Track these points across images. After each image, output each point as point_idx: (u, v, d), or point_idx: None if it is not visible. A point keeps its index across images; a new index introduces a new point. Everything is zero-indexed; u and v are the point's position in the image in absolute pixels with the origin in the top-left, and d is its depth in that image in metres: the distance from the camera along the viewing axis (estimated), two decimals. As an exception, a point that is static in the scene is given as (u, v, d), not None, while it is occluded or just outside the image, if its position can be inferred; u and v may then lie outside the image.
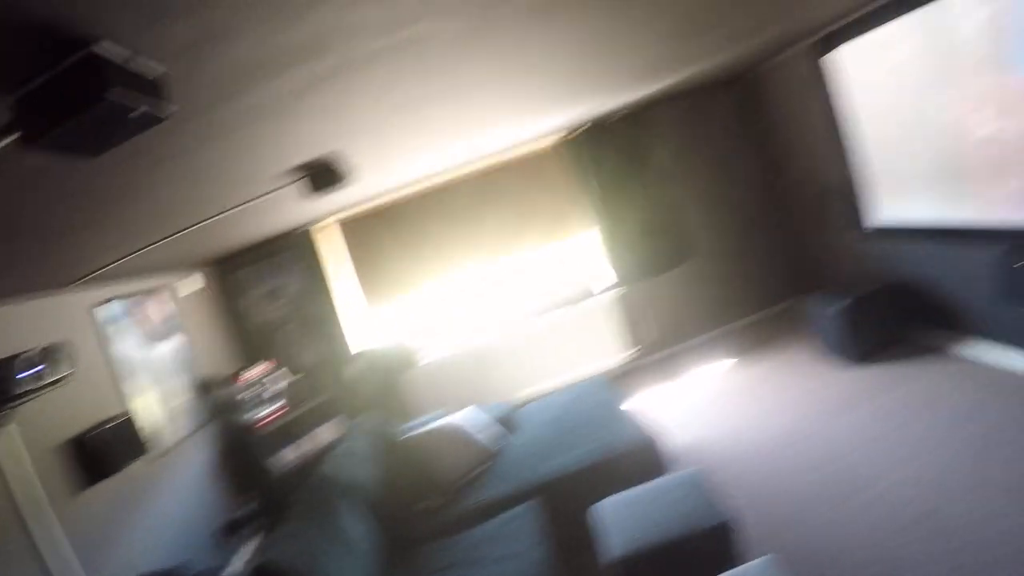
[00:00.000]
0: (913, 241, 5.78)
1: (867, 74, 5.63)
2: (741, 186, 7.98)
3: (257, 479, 6.06)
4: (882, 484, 4.16)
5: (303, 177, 4.05)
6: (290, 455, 6.25)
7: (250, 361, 6.88)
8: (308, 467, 5.62)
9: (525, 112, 5.10)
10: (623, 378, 7.46)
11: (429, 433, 5.01)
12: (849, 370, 5.90)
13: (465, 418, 5.23)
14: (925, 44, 4.91)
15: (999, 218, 4.81)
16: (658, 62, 4.93)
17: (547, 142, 7.38)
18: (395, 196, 7.24)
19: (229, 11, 1.63)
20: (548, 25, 2.88)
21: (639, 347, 7.68)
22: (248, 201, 4.30)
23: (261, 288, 7.18)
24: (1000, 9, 4.21)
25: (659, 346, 7.79)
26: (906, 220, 5.79)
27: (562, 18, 2.85)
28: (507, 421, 5.57)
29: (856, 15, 5.44)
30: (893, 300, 6.05)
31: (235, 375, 6.49)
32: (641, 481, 4.00)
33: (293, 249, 7.11)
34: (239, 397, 6.32)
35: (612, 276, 7.51)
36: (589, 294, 7.62)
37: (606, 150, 7.29)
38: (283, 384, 6.59)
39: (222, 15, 1.64)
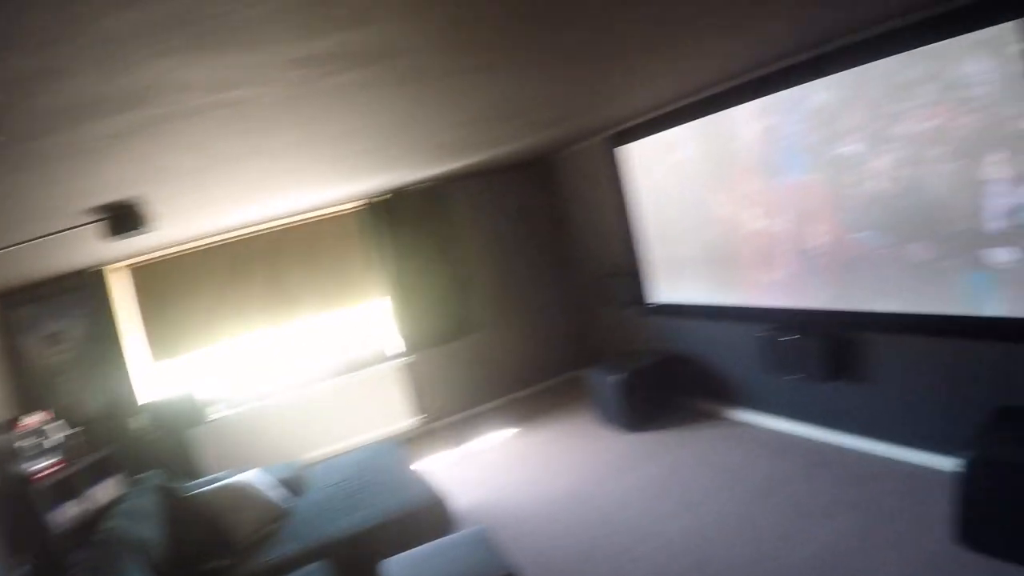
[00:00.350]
0: (689, 319, 6.32)
1: (655, 168, 6.20)
2: (533, 262, 8.33)
3: (33, 537, 5.38)
4: (659, 538, 4.38)
5: (104, 219, 3.80)
6: (70, 511, 5.63)
7: (29, 407, 6.17)
8: (90, 525, 5.07)
9: (331, 177, 5.06)
10: (412, 442, 7.34)
11: (218, 490, 4.69)
12: (629, 436, 6.20)
13: (254, 477, 5.01)
14: (706, 147, 5.53)
15: (764, 301, 5.44)
16: (459, 143, 5.07)
17: (350, 207, 7.36)
18: (195, 246, 6.91)
19: (70, 53, 1.65)
20: (356, 102, 3.00)
21: (428, 413, 7.70)
22: (45, 235, 3.96)
23: (44, 329, 6.49)
24: (771, 125, 4.87)
25: (447, 412, 7.81)
26: (684, 300, 6.33)
27: (370, 97, 2.97)
28: (295, 482, 5.37)
29: (647, 117, 6.03)
30: (670, 371, 6.53)
31: (12, 421, 5.78)
32: (430, 539, 3.94)
33: (83, 290, 6.42)
34: (16, 445, 5.63)
35: (402, 343, 7.55)
36: (380, 359, 7.58)
37: (405, 220, 7.36)
38: (63, 435, 5.96)
39: (62, 55, 1.65)
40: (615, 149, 6.62)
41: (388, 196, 7.30)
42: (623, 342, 7.46)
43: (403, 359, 7.55)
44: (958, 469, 3.47)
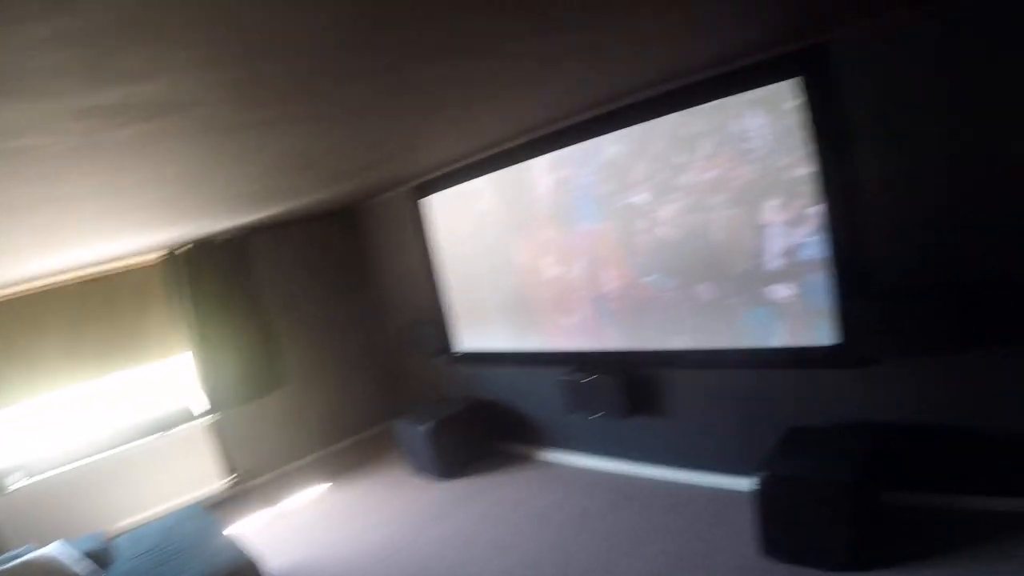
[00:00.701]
0: (495, 365, 6.41)
1: (457, 218, 6.27)
2: (342, 313, 8.08)
3: None
4: (475, 582, 4.31)
5: None
6: None
7: None
8: None
9: (129, 227, 4.64)
10: (224, 504, 6.79)
11: (17, 568, 4.12)
12: (441, 484, 6.13)
13: (56, 551, 4.41)
14: (506, 198, 5.68)
15: (564, 345, 5.62)
16: (257, 194, 4.90)
17: (152, 258, 6.81)
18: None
19: None
20: (147, 153, 2.83)
21: (236, 473, 7.18)
22: None
23: None
24: (565, 176, 5.10)
25: (257, 472, 7.31)
26: (489, 347, 6.40)
27: (160, 148, 2.81)
28: (102, 554, 4.80)
29: (448, 169, 6.12)
30: (479, 417, 6.54)
31: None
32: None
33: None
34: None
35: (206, 401, 7.02)
36: (186, 418, 7.00)
37: (207, 272, 6.85)
38: None
39: None
40: (419, 200, 6.63)
41: (190, 247, 6.81)
42: (434, 390, 7.39)
43: (209, 418, 7.00)
44: (754, 487, 3.74)
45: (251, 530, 6.08)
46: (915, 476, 3.93)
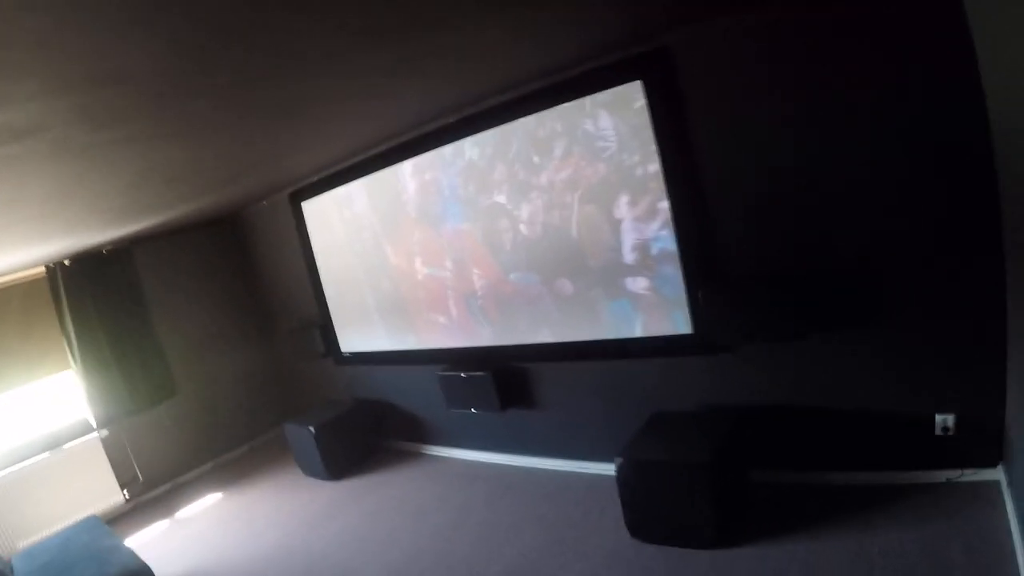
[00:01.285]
0: (379, 365, 6.30)
1: (334, 222, 6.12)
2: (229, 319, 7.78)
3: None
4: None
5: None
6: None
7: None
8: None
9: (4, 243, 4.46)
10: (121, 518, 6.49)
11: None
12: (331, 484, 6.05)
13: None
14: (378, 201, 5.57)
15: (441, 342, 5.58)
16: (130, 207, 4.70)
17: (32, 274, 6.38)
18: None
19: None
20: (12, 174, 2.77)
21: (132, 486, 6.82)
22: None
23: None
24: (431, 179, 5.05)
25: (153, 483, 6.96)
26: (372, 347, 6.28)
27: (25, 169, 2.75)
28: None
29: (323, 174, 5.97)
30: (366, 417, 6.47)
31: None
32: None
33: None
34: None
35: (94, 416, 6.63)
36: (76, 434, 6.58)
37: (90, 284, 6.44)
38: None
39: None
40: (298, 205, 6.44)
41: (71, 261, 6.41)
42: (323, 393, 7.22)
43: (100, 432, 6.61)
44: (615, 472, 3.80)
45: (148, 540, 5.88)
46: (778, 455, 4.06)
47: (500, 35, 2.96)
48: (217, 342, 7.64)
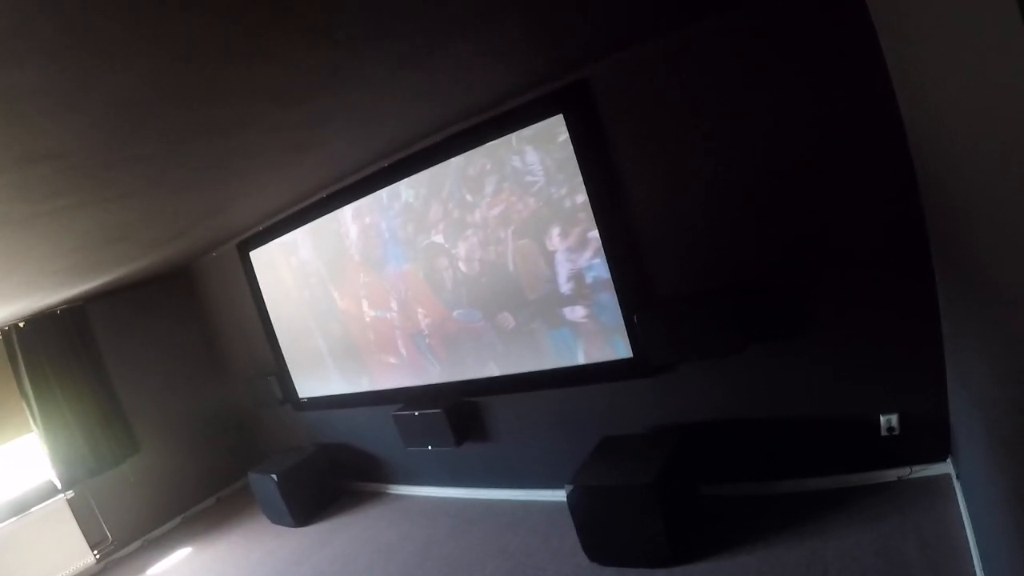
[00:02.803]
0: (335, 408, 5.95)
1: (281, 269, 5.79)
2: (187, 372, 7.29)
3: None
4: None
5: None
6: None
7: None
8: None
9: None
10: None
11: None
12: (298, 530, 5.66)
13: None
14: (322, 247, 5.27)
15: (393, 382, 5.26)
16: (77, 268, 4.45)
17: None
18: None
19: None
20: None
21: (102, 546, 6.28)
22: None
23: None
24: (371, 222, 4.78)
25: (123, 542, 6.46)
26: (328, 391, 5.94)
27: None
28: None
29: (267, 223, 5.66)
30: (327, 461, 6.09)
31: None
32: None
33: None
34: None
35: (59, 478, 6.09)
36: (40, 498, 6.04)
37: (45, 345, 6.06)
38: None
39: None
40: (246, 253, 6.10)
41: (23, 324, 5.99)
42: (286, 439, 6.83)
43: (66, 494, 6.09)
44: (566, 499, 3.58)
45: None
46: (728, 468, 3.87)
47: (409, 89, 2.88)
48: (177, 395, 7.19)
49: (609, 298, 3.79)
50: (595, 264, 3.77)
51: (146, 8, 1.36)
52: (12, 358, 6.01)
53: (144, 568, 6.01)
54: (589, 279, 3.82)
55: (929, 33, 1.57)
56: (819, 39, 2.94)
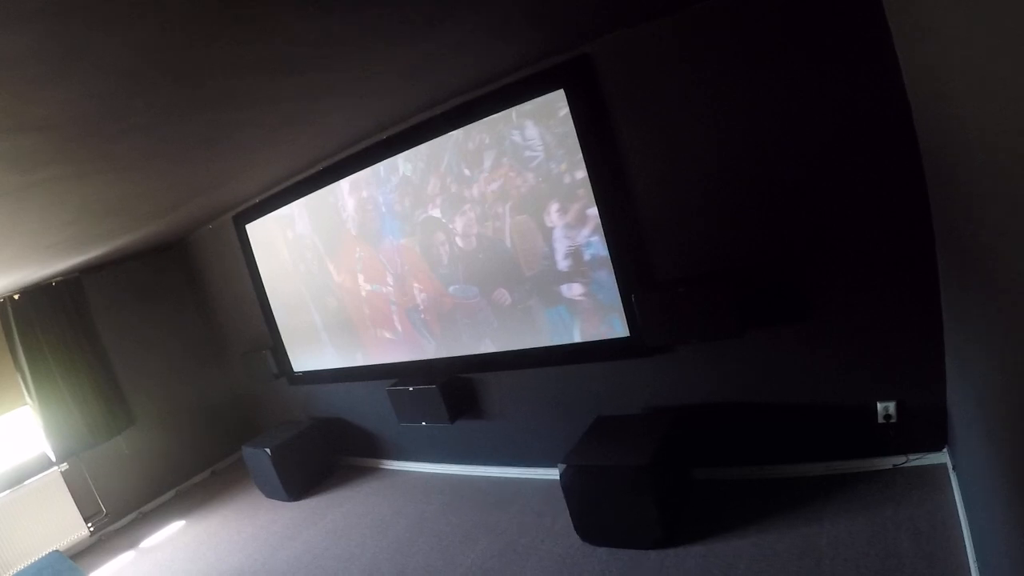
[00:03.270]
0: (330, 383, 5.93)
1: (277, 242, 5.73)
2: (183, 345, 7.27)
3: None
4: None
5: None
6: None
7: None
8: None
9: None
10: (86, 552, 6.05)
11: None
12: (292, 504, 5.66)
13: None
14: (319, 220, 5.21)
15: (388, 357, 5.22)
16: (73, 240, 4.40)
17: None
18: None
19: None
20: None
21: (96, 518, 6.31)
22: None
23: None
24: (368, 196, 4.70)
25: (117, 515, 6.48)
26: (323, 365, 5.91)
27: None
28: None
29: (264, 195, 5.59)
30: (321, 435, 6.06)
31: None
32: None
33: None
34: None
35: (53, 450, 6.09)
36: (35, 470, 6.05)
37: (40, 317, 6.03)
38: None
39: None
40: (242, 226, 6.04)
41: (18, 296, 5.95)
42: (280, 413, 6.82)
43: (60, 467, 6.13)
44: (559, 478, 3.57)
45: (113, 572, 5.49)
46: (722, 452, 3.83)
47: (408, 63, 2.82)
48: (172, 368, 7.18)
49: (607, 276, 3.73)
50: (593, 241, 3.71)
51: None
52: (7, 330, 5.97)
53: (138, 541, 6.03)
54: (587, 256, 3.77)
55: (941, 21, 1.52)
56: (828, 22, 2.86)
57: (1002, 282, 1.52)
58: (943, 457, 3.23)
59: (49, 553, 4.95)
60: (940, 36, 1.62)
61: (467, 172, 4.07)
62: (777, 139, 3.13)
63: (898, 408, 3.26)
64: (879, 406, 3.29)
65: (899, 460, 3.33)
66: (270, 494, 5.90)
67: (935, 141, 2.27)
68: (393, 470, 5.70)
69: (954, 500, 2.95)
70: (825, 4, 2.84)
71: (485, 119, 3.89)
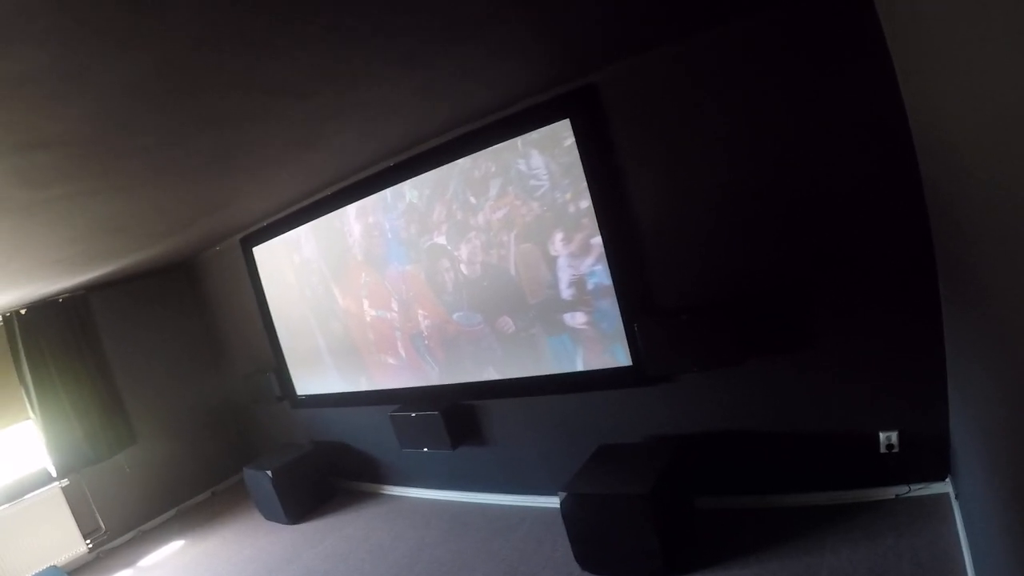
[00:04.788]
0: (333, 407, 5.91)
1: (284, 265, 5.75)
2: (185, 365, 7.25)
3: None
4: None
5: None
6: None
7: None
8: None
9: None
10: (83, 569, 6.00)
11: None
12: (291, 527, 5.61)
13: None
14: (325, 245, 5.24)
15: (391, 383, 5.22)
16: (79, 257, 4.43)
17: None
18: None
19: None
20: None
21: (95, 536, 6.25)
22: None
23: None
24: (374, 222, 4.74)
25: (116, 532, 6.42)
26: (326, 389, 5.89)
27: None
28: None
29: (271, 219, 5.62)
30: (323, 459, 6.04)
31: None
32: None
33: None
34: None
35: (54, 466, 6.06)
36: (36, 485, 6.00)
37: (46, 333, 6.05)
38: None
39: None
40: (249, 249, 6.06)
41: (25, 311, 5.97)
42: (281, 436, 6.79)
43: (61, 482, 6.11)
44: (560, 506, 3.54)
45: None
46: (724, 481, 3.81)
47: (414, 89, 2.86)
48: (176, 388, 7.16)
49: (610, 305, 3.74)
50: (597, 270, 3.73)
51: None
52: (12, 344, 5.97)
53: (136, 559, 5.96)
54: (590, 285, 3.78)
55: (937, 48, 1.54)
56: (828, 52, 2.90)
57: (1001, 312, 1.53)
58: (946, 487, 3.21)
59: (47, 568, 4.91)
60: (934, 60, 1.65)
61: (473, 200, 4.11)
62: (779, 168, 3.16)
63: (900, 437, 3.24)
64: (881, 435, 3.28)
65: (901, 490, 3.31)
66: (270, 516, 5.84)
67: (934, 170, 2.29)
68: (394, 495, 5.66)
69: (956, 530, 2.92)
70: (829, 37, 2.89)
71: (491, 147, 3.93)
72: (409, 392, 5.06)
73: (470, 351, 4.51)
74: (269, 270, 5.92)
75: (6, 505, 5.75)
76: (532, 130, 3.75)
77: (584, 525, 3.47)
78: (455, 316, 4.49)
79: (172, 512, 6.91)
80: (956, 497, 3.03)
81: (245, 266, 6.17)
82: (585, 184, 3.64)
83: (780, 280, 3.31)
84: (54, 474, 6.10)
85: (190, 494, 7.12)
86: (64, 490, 6.12)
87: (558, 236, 3.81)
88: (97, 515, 6.33)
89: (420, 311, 4.71)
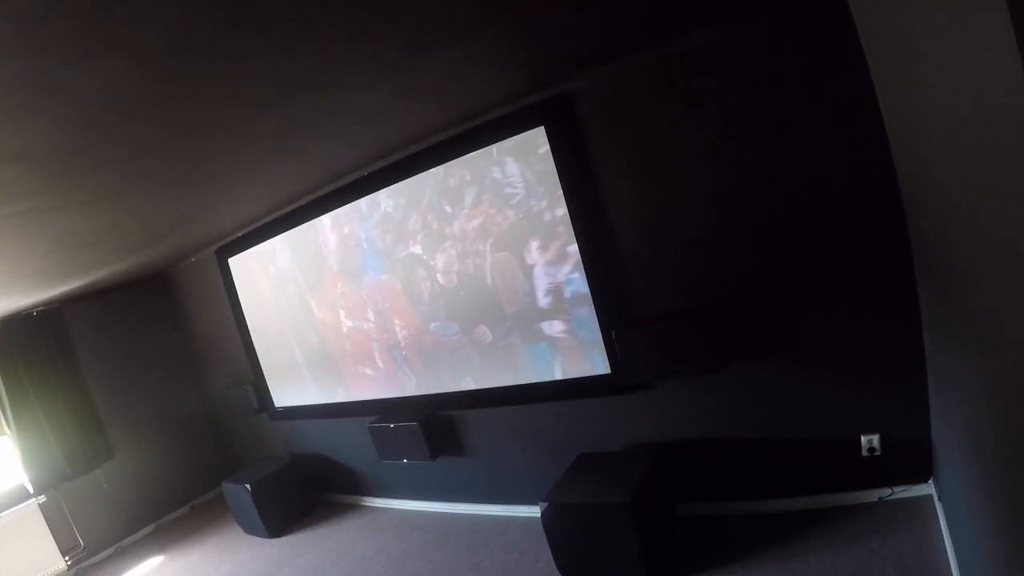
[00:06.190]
0: (311, 418, 5.78)
1: (259, 276, 5.62)
2: (163, 378, 7.07)
3: None
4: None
5: None
6: None
7: None
8: None
9: None
10: None
11: None
12: (272, 541, 5.48)
13: None
14: (300, 255, 5.12)
15: (369, 394, 5.10)
16: (53, 270, 4.31)
17: None
18: None
19: None
20: None
21: (71, 553, 6.06)
22: None
23: None
24: (350, 232, 4.63)
25: (95, 549, 6.24)
26: (303, 401, 5.76)
27: None
28: None
29: (246, 230, 5.49)
30: (302, 471, 5.90)
31: None
32: None
33: None
34: None
35: (31, 482, 5.88)
36: (14, 502, 5.82)
37: (19, 347, 5.87)
38: None
39: None
40: (224, 260, 5.92)
41: None
42: (260, 448, 6.62)
43: (38, 499, 5.93)
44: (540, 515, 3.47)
45: None
46: (705, 487, 3.74)
47: (390, 96, 2.77)
48: (153, 401, 6.98)
49: (587, 313, 3.67)
50: (574, 278, 3.65)
51: (111, 6, 1.27)
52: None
53: (120, 573, 5.81)
54: (567, 293, 3.70)
55: (909, 57, 1.52)
56: (807, 59, 2.86)
57: (978, 314, 1.50)
58: (929, 489, 3.17)
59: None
60: (908, 68, 1.61)
61: (448, 209, 4.01)
62: (757, 174, 3.11)
63: (882, 441, 3.20)
64: (863, 439, 3.23)
65: (884, 492, 3.26)
66: (250, 530, 5.70)
67: (909, 174, 2.25)
68: (374, 507, 5.54)
69: (940, 532, 2.88)
70: (807, 44, 2.84)
71: (466, 156, 3.85)
72: (387, 403, 4.95)
73: (448, 361, 4.41)
74: (245, 281, 5.77)
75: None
76: (507, 138, 3.68)
77: (566, 535, 3.39)
78: (432, 326, 4.39)
79: (151, 527, 6.73)
80: (939, 499, 2.99)
81: (221, 277, 6.02)
82: (560, 192, 3.56)
83: (759, 285, 3.26)
84: (31, 490, 5.92)
85: (169, 509, 6.94)
86: (41, 506, 5.94)
87: (534, 244, 3.73)
88: (75, 531, 6.15)
89: (397, 321, 4.60)
